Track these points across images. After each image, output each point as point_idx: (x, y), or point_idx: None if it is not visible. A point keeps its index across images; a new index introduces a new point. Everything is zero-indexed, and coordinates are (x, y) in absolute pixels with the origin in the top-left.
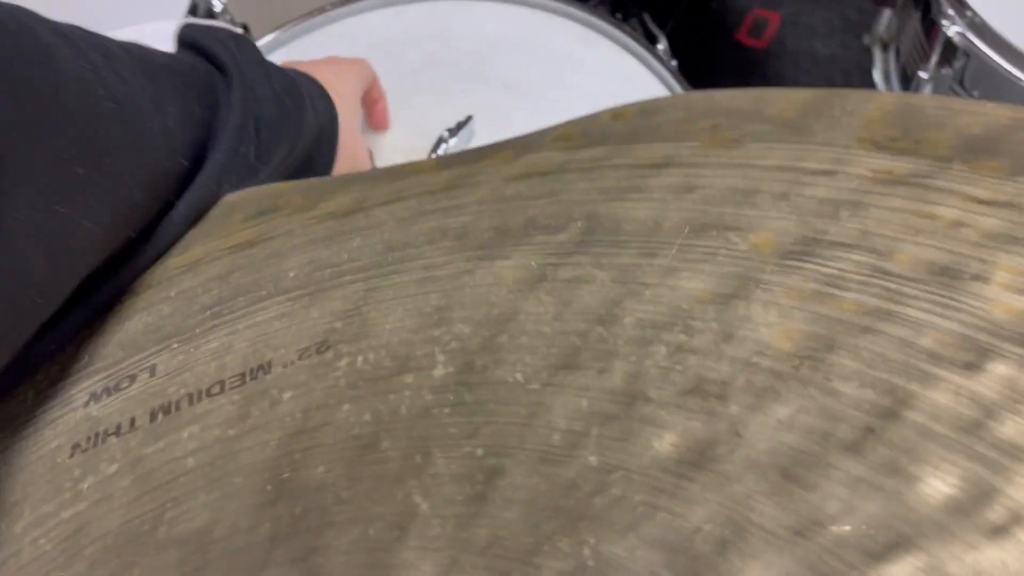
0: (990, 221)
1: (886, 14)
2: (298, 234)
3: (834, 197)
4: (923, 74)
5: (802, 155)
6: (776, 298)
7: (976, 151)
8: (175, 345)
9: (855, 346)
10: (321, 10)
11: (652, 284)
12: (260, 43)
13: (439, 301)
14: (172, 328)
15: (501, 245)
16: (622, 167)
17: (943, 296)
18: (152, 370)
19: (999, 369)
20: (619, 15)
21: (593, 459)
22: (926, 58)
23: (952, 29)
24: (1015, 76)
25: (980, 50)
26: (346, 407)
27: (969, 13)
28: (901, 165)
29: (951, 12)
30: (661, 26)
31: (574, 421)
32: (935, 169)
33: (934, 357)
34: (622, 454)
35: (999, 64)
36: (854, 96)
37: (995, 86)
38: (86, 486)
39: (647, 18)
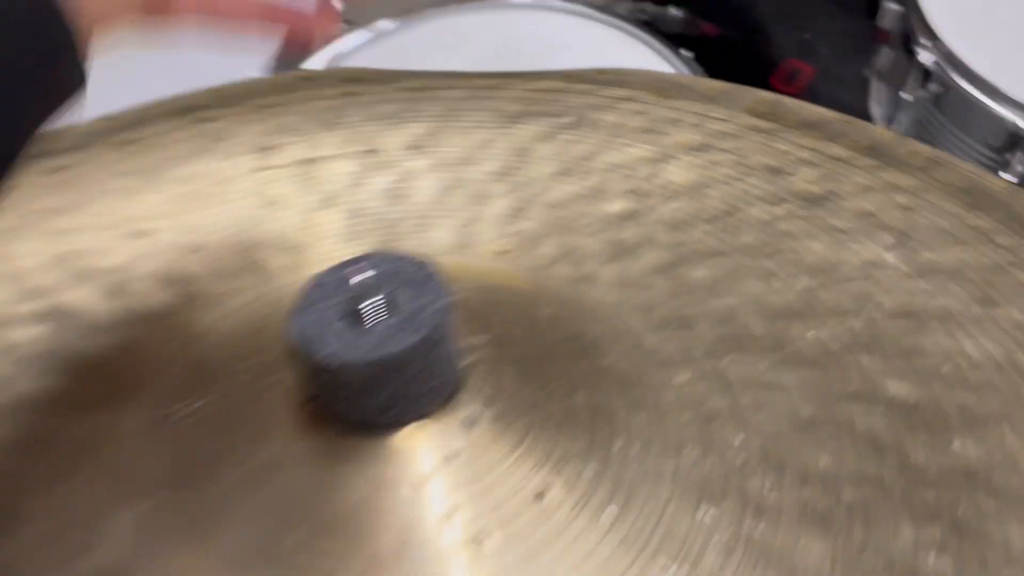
0: None
1: (884, 50)
2: None
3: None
4: (905, 96)
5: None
6: None
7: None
8: None
9: None
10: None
11: None
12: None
13: None
14: None
15: None
16: None
17: None
18: None
19: None
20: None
21: None
22: (905, 82)
23: (925, 56)
24: (981, 101)
25: (950, 77)
26: None
27: (940, 43)
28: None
29: (925, 42)
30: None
31: None
32: None
33: None
34: None
35: (967, 91)
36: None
37: (965, 109)
38: None
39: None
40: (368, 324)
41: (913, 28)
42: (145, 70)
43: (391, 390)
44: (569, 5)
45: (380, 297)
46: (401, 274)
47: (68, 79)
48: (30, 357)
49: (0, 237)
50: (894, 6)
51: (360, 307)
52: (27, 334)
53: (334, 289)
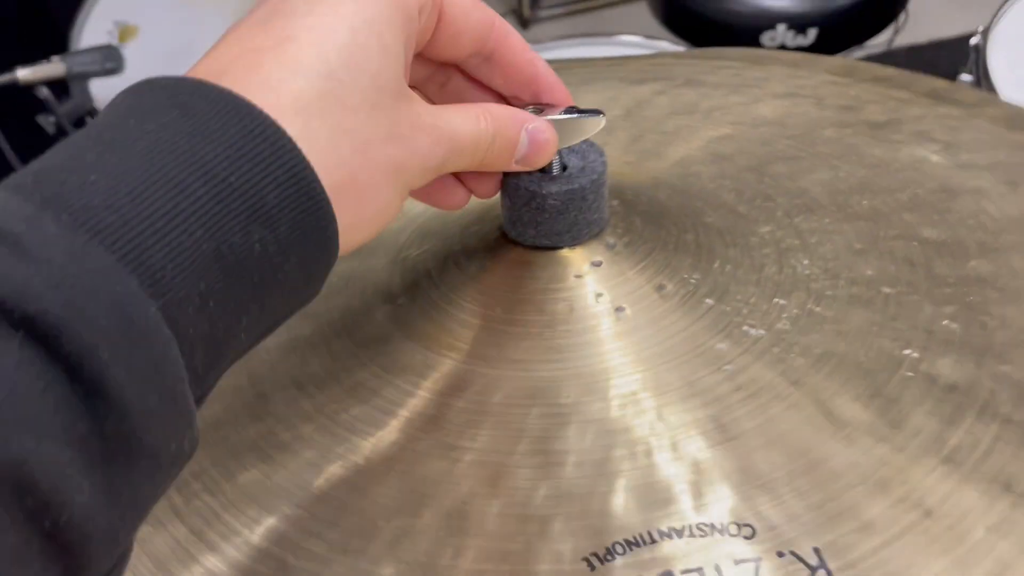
0: None
1: None
2: None
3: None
4: None
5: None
6: None
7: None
8: None
9: None
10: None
11: None
12: None
13: None
14: None
15: None
16: None
17: None
18: None
19: None
20: None
21: None
22: None
23: None
24: None
25: None
26: None
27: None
28: None
29: None
30: None
31: None
32: None
33: None
34: None
35: None
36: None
37: None
38: None
39: None
40: (553, 173)
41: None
42: None
43: (573, 215)
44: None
45: (557, 158)
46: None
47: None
48: None
49: None
50: (968, 77)
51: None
52: None
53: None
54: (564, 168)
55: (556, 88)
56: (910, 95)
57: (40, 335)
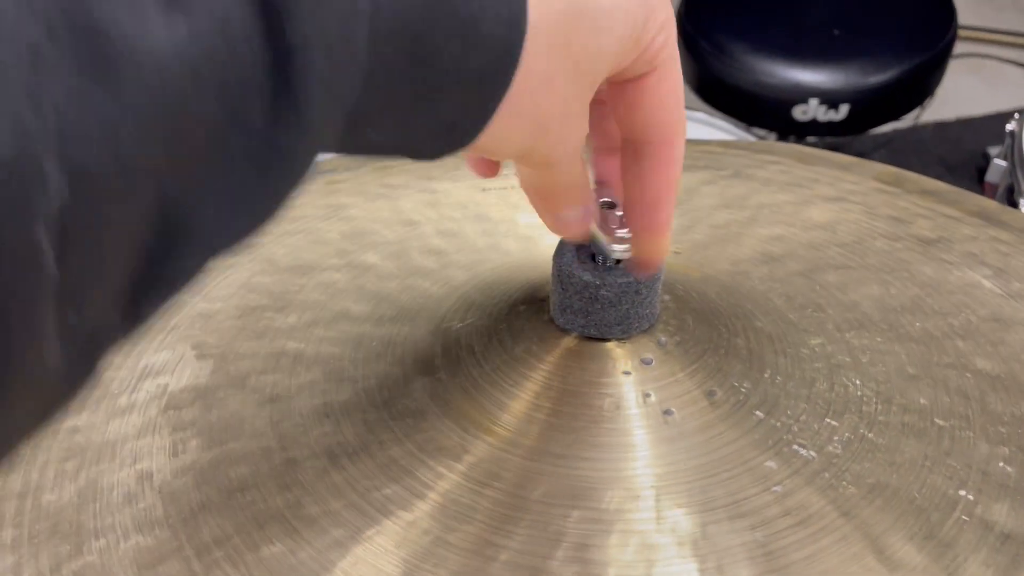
0: None
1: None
2: None
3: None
4: None
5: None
6: None
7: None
8: None
9: None
10: None
11: None
12: None
13: None
14: None
15: None
16: None
17: None
18: None
19: None
20: None
21: None
22: None
23: None
24: None
25: None
26: None
27: None
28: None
29: None
30: None
31: None
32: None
33: None
34: None
35: None
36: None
37: None
38: None
39: None
40: (607, 266)
41: (1018, 181)
42: None
43: (626, 308)
44: (710, 118)
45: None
46: None
47: None
48: (343, 289)
49: (303, 222)
50: (1002, 163)
51: (596, 256)
52: (336, 276)
53: (576, 248)
54: (618, 260)
55: (650, 226)
56: (960, 213)
57: None
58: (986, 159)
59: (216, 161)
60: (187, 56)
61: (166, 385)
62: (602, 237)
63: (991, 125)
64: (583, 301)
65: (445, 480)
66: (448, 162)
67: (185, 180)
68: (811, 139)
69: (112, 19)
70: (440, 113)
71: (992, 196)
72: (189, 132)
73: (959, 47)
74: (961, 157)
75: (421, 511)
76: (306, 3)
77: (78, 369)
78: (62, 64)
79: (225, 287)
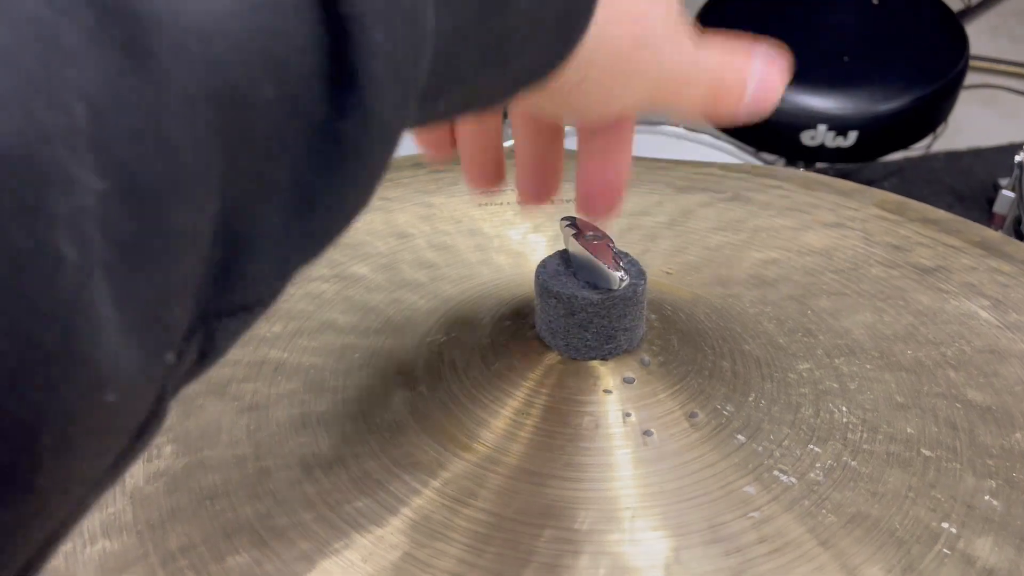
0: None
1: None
2: None
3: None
4: None
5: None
6: None
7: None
8: None
9: None
10: None
11: None
12: None
13: None
14: None
15: None
16: None
17: None
18: None
19: None
20: None
21: None
22: None
23: None
24: None
25: None
26: None
27: None
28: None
29: None
30: None
31: None
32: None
33: None
34: None
35: None
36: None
37: None
38: None
39: None
40: (590, 283)
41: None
42: None
43: (609, 326)
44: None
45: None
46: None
47: None
48: (330, 300)
49: None
50: (1009, 194)
51: (579, 272)
52: (324, 287)
53: (564, 263)
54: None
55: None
56: (961, 243)
57: None
58: (996, 190)
59: (277, 156)
60: (232, 33)
61: None
62: (602, 266)
63: (1003, 156)
64: (566, 318)
65: (418, 495)
66: (445, 177)
67: (244, 179)
68: (820, 165)
69: None
70: (515, 64)
71: (1001, 227)
72: (243, 121)
73: (973, 78)
74: (972, 187)
75: (392, 526)
76: None
77: (138, 406)
78: (88, 50)
79: None
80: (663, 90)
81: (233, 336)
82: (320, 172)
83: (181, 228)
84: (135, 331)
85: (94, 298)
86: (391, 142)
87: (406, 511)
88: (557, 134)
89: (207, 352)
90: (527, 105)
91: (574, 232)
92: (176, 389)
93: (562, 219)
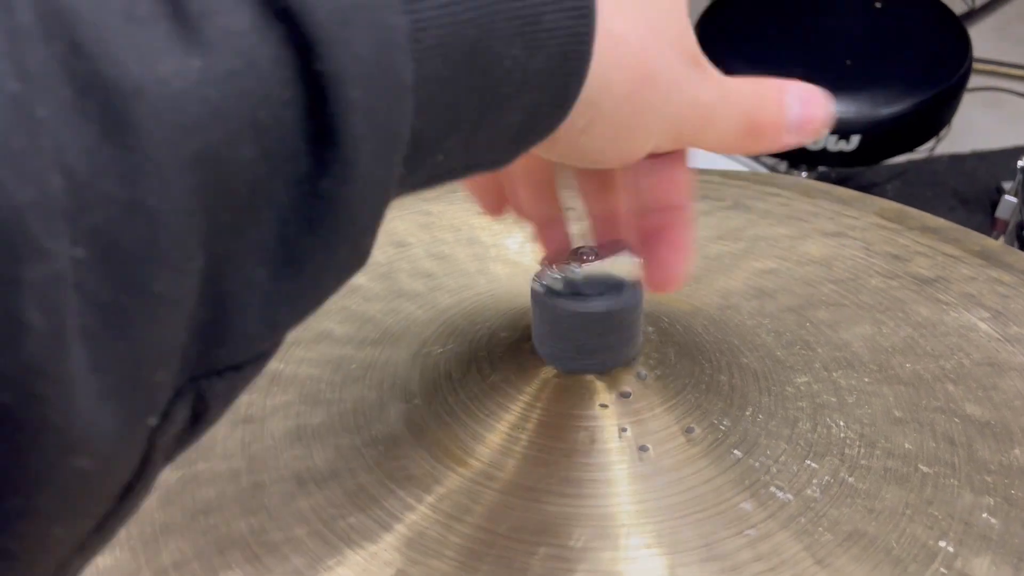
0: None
1: (1000, 238)
2: None
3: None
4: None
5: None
6: None
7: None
8: None
9: None
10: None
11: None
12: None
13: None
14: None
15: None
16: None
17: None
18: None
19: None
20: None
21: None
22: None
23: None
24: None
25: None
26: None
27: None
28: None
29: None
30: None
31: None
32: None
33: None
34: None
35: None
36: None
37: None
38: None
39: None
40: (589, 295)
41: None
42: None
43: (606, 339)
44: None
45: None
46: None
47: None
48: (327, 309)
49: None
50: (1012, 199)
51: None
52: None
53: (554, 275)
54: (601, 292)
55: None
56: (960, 252)
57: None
58: (1000, 193)
59: (259, 214)
60: (210, 98)
61: None
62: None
63: (1006, 159)
64: (562, 331)
65: (412, 511)
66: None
67: (227, 237)
68: (822, 169)
69: (117, 64)
70: (512, 114)
71: (1003, 232)
72: (224, 181)
73: (977, 80)
74: (975, 190)
75: (385, 542)
76: (334, 31)
77: (118, 470)
78: (66, 121)
79: None
80: (686, 125)
81: (226, 396)
82: (305, 229)
83: (163, 291)
84: (114, 396)
85: (67, 364)
86: (378, 197)
87: (400, 527)
88: None
89: (200, 413)
90: (538, 152)
91: (576, 264)
92: (169, 451)
93: (541, 262)
